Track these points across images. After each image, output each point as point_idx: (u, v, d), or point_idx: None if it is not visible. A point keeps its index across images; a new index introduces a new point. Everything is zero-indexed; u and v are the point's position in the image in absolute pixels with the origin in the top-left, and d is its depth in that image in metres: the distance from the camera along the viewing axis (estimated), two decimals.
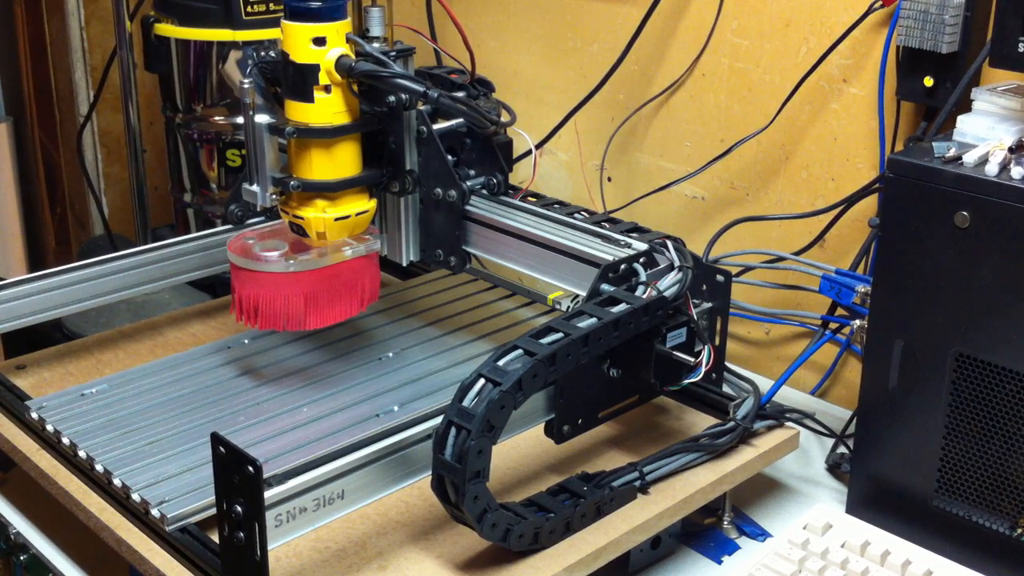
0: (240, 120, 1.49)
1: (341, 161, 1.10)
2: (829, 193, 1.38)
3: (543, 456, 1.11)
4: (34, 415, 1.12)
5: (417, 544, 0.98)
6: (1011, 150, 0.97)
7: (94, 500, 1.02)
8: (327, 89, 1.07)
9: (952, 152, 1.00)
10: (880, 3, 1.26)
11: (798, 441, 1.16)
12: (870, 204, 1.32)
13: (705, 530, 1.13)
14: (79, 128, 1.86)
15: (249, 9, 1.51)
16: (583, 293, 1.06)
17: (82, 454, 1.05)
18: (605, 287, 1.03)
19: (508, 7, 1.68)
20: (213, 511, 0.91)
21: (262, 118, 1.09)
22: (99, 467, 1.03)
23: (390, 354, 1.25)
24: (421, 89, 1.06)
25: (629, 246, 1.08)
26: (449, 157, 1.17)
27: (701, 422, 1.16)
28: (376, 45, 1.12)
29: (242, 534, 0.85)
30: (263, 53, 1.15)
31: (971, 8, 1.17)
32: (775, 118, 1.38)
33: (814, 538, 1.06)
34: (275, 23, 1.37)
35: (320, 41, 1.05)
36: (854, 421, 1.16)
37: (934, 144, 1.02)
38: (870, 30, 1.29)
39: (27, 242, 1.90)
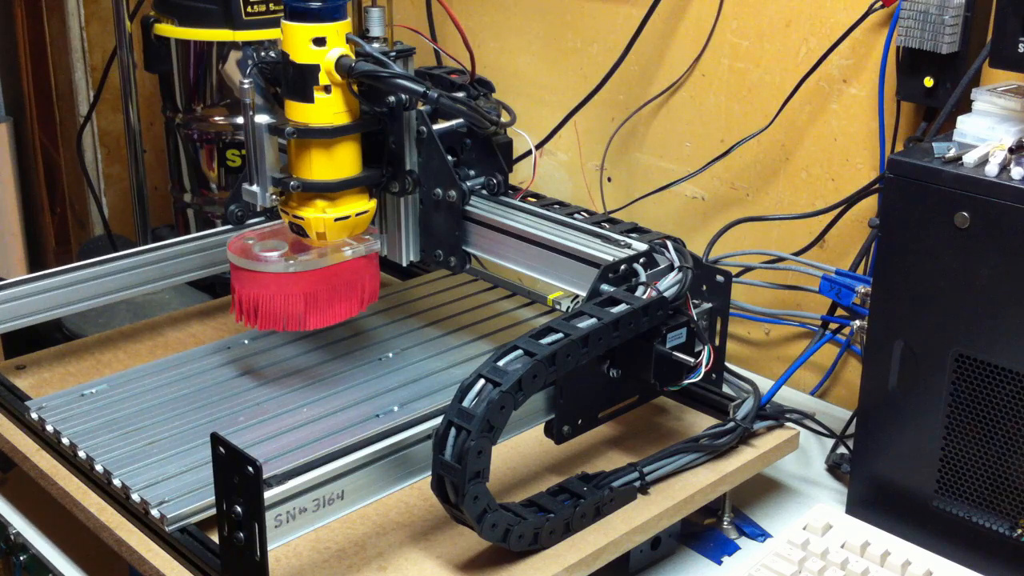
0: (240, 120, 1.49)
1: (341, 161, 1.10)
2: (829, 193, 1.37)
3: (543, 456, 1.11)
4: (34, 415, 1.12)
5: (417, 544, 0.98)
6: (1011, 150, 0.97)
7: (94, 500, 1.02)
8: (327, 89, 1.07)
9: (952, 152, 1.00)
10: (880, 3, 1.26)
11: (798, 441, 1.16)
12: (870, 204, 1.32)
13: (705, 530, 1.13)
14: (79, 128, 1.86)
15: (249, 9, 1.51)
16: (583, 293, 1.06)
17: (82, 454, 1.05)
18: (605, 287, 1.03)
19: (508, 7, 1.68)
20: (213, 511, 0.91)
21: (262, 118, 1.09)
22: (99, 467, 1.03)
23: (390, 354, 1.25)
24: (421, 89, 1.06)
25: (629, 246, 1.08)
26: (449, 157, 1.17)
27: (701, 422, 1.16)
28: (376, 45, 1.12)
29: (242, 534, 0.85)
30: (263, 53, 1.14)
31: (971, 8, 1.17)
32: (775, 118, 1.38)
33: (814, 538, 1.06)
34: (275, 23, 1.37)
35: (320, 41, 1.05)
36: (854, 421, 1.16)
37: (934, 144, 1.02)
38: (870, 30, 1.29)
39: (27, 242, 1.90)
